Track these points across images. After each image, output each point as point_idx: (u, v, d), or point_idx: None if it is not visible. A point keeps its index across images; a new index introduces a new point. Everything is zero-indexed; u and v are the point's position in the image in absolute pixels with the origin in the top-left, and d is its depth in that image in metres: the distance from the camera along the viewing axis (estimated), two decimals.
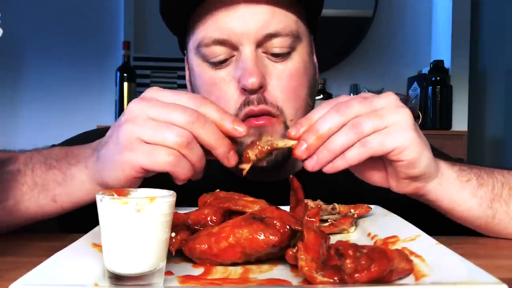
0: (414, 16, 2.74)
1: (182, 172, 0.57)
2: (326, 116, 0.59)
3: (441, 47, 2.66)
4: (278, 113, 0.77)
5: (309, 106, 0.83)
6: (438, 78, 2.48)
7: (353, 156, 0.58)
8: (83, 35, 2.58)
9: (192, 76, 0.85)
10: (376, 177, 0.65)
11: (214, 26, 0.77)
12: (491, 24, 2.67)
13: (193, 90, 0.85)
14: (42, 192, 0.68)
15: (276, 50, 0.77)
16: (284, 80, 0.78)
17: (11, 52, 2.50)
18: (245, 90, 0.76)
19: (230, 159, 0.60)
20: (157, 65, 2.59)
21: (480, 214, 0.69)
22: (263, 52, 0.77)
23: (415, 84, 2.62)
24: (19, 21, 2.50)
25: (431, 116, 2.48)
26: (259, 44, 0.76)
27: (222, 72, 0.78)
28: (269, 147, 0.61)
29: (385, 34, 2.71)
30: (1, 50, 2.31)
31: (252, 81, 0.74)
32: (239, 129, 0.59)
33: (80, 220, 0.73)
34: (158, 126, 0.56)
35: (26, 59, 2.56)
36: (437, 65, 2.50)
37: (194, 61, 0.82)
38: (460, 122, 2.54)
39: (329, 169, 0.59)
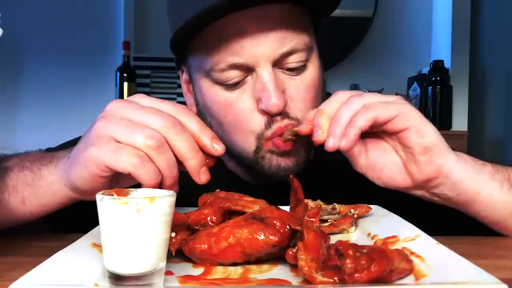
0: (414, 16, 2.74)
1: (145, 176, 0.53)
2: (328, 101, 0.65)
3: (441, 47, 2.66)
4: (298, 124, 0.76)
5: None
6: (438, 78, 2.48)
7: (361, 120, 0.60)
8: (83, 35, 2.58)
9: (200, 97, 0.82)
10: (395, 173, 0.65)
11: (228, 50, 0.74)
12: (491, 24, 2.67)
13: (202, 111, 0.83)
14: (11, 194, 0.67)
15: (292, 65, 0.76)
16: (302, 91, 0.77)
17: (11, 52, 2.50)
18: (266, 112, 0.74)
19: (201, 175, 0.57)
20: (157, 65, 2.59)
21: (503, 198, 0.66)
22: (278, 68, 0.76)
23: (415, 84, 2.62)
24: (19, 21, 2.50)
25: (431, 116, 2.48)
26: (275, 63, 0.75)
27: (237, 92, 0.76)
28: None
29: (385, 34, 2.71)
30: (1, 50, 2.30)
31: (276, 104, 0.72)
32: (217, 147, 0.57)
33: (69, 222, 0.72)
34: (131, 126, 0.54)
35: (26, 59, 2.57)
36: (437, 65, 2.51)
37: (203, 83, 0.79)
38: (460, 122, 2.54)
39: (345, 144, 0.60)
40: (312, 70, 0.79)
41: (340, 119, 0.62)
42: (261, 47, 0.73)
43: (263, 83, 0.74)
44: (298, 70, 0.77)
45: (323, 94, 0.84)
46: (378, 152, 0.66)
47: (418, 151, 0.63)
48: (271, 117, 0.75)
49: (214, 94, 0.78)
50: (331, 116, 0.63)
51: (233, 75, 0.75)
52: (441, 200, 0.68)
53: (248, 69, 0.75)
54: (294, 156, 0.77)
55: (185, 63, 0.85)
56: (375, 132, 0.65)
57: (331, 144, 0.61)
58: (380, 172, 0.66)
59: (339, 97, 0.64)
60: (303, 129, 0.66)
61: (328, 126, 0.62)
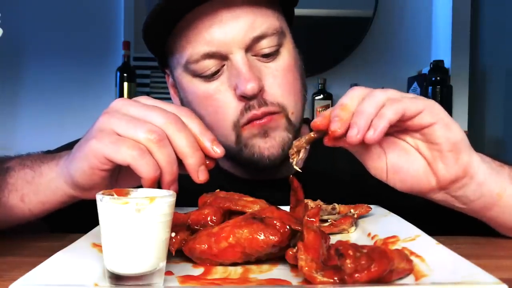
0: (414, 16, 2.74)
1: (144, 168, 0.53)
2: (346, 95, 0.58)
3: (441, 47, 2.66)
4: (279, 110, 0.78)
5: (304, 97, 0.84)
6: (438, 78, 2.48)
7: (389, 112, 0.54)
8: (83, 35, 2.58)
9: (182, 93, 0.84)
10: (421, 176, 0.60)
11: (200, 40, 0.76)
12: (491, 24, 2.66)
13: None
14: (11, 192, 0.67)
15: (266, 51, 0.77)
16: (279, 77, 0.78)
17: (11, 52, 2.49)
18: (243, 97, 0.75)
19: (199, 174, 0.56)
20: (157, 65, 2.57)
21: None
22: (252, 55, 0.77)
23: (415, 84, 2.62)
24: (19, 21, 2.50)
25: None
26: (248, 48, 0.76)
27: (216, 83, 0.78)
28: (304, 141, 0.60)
29: (385, 34, 2.71)
30: (1, 50, 2.30)
31: (251, 87, 0.74)
32: (217, 149, 0.57)
33: (69, 222, 0.73)
34: (133, 121, 0.55)
35: (26, 59, 2.56)
36: (437, 65, 2.50)
37: (183, 78, 0.81)
38: (460, 122, 2.52)
39: (372, 135, 0.54)
40: (287, 55, 0.80)
41: (365, 110, 0.55)
42: (231, 34, 0.75)
43: (237, 68, 0.75)
44: (272, 55, 0.78)
45: (304, 81, 0.85)
46: (399, 154, 0.60)
47: (446, 146, 0.58)
48: (248, 102, 0.76)
49: (194, 87, 0.80)
50: (352, 110, 0.56)
51: (209, 65, 0.77)
52: (460, 204, 0.64)
53: (222, 57, 0.76)
54: (275, 138, 0.78)
55: (168, 66, 0.87)
56: (391, 133, 0.60)
57: (354, 135, 0.54)
58: (404, 175, 0.60)
59: (359, 92, 0.58)
60: (318, 122, 0.57)
61: (349, 118, 0.55)
